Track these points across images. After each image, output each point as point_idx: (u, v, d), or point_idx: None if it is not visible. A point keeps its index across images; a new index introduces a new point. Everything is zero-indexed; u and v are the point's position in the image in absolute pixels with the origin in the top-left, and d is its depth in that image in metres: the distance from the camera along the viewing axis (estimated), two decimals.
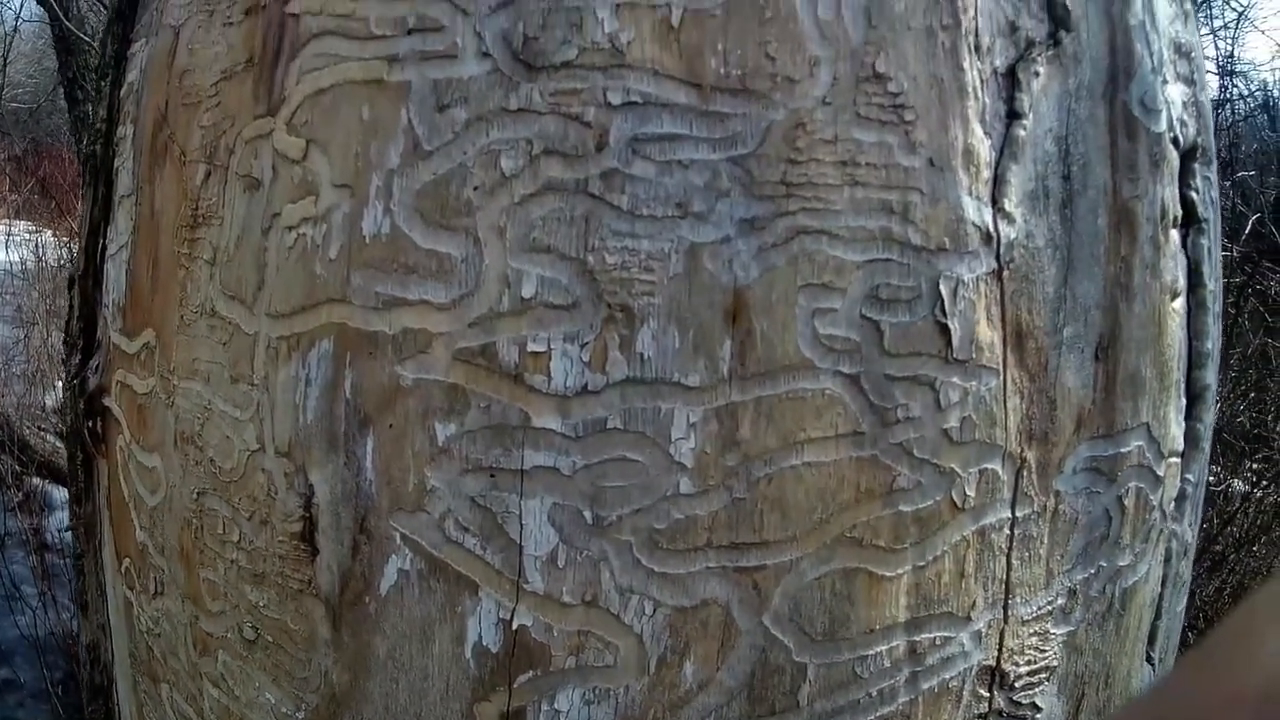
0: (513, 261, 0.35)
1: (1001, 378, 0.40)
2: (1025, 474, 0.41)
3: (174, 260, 0.45)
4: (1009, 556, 0.41)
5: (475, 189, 0.36)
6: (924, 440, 0.38)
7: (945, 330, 0.38)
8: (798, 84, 0.36)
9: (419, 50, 0.37)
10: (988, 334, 0.39)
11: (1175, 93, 0.49)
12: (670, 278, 0.35)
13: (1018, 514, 0.41)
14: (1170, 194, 0.47)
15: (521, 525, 0.36)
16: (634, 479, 0.36)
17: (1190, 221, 0.51)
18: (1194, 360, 0.52)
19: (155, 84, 0.49)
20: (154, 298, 0.47)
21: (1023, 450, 0.41)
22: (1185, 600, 0.58)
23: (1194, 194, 0.51)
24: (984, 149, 0.39)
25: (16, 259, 3.87)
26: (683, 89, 0.36)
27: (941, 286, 0.38)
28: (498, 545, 0.36)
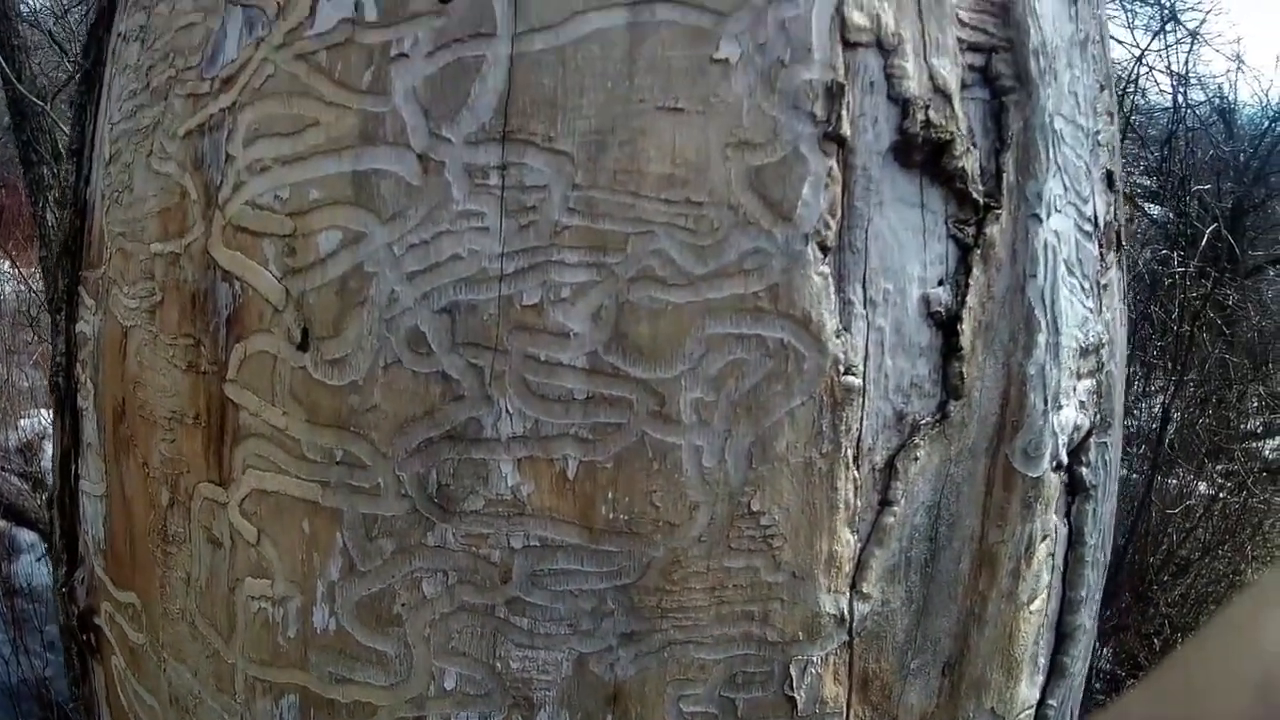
0: (436, 661, 0.49)
1: (844, 715, 0.55)
2: None
3: (150, 555, 0.59)
4: None
5: (403, 605, 0.49)
6: None
7: (792, 700, 0.52)
8: (677, 527, 0.48)
9: (347, 483, 0.48)
10: (833, 690, 0.54)
11: (1069, 413, 0.59)
12: (563, 678, 0.49)
13: None
14: (1040, 524, 0.58)
15: None
16: None
17: (1077, 490, 0.63)
18: (1066, 607, 0.66)
19: (111, 370, 0.60)
20: (135, 573, 0.61)
21: None
22: None
23: (1084, 469, 0.63)
24: (849, 549, 0.51)
25: None
26: (576, 530, 0.47)
27: (792, 668, 0.52)
28: None
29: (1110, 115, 0.72)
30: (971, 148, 0.55)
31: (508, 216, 0.46)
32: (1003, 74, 0.58)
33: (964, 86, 0.56)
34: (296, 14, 0.50)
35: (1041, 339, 0.57)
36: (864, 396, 0.50)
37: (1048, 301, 0.57)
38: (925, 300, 0.52)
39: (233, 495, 0.52)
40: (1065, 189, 0.61)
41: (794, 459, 0.49)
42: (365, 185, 0.47)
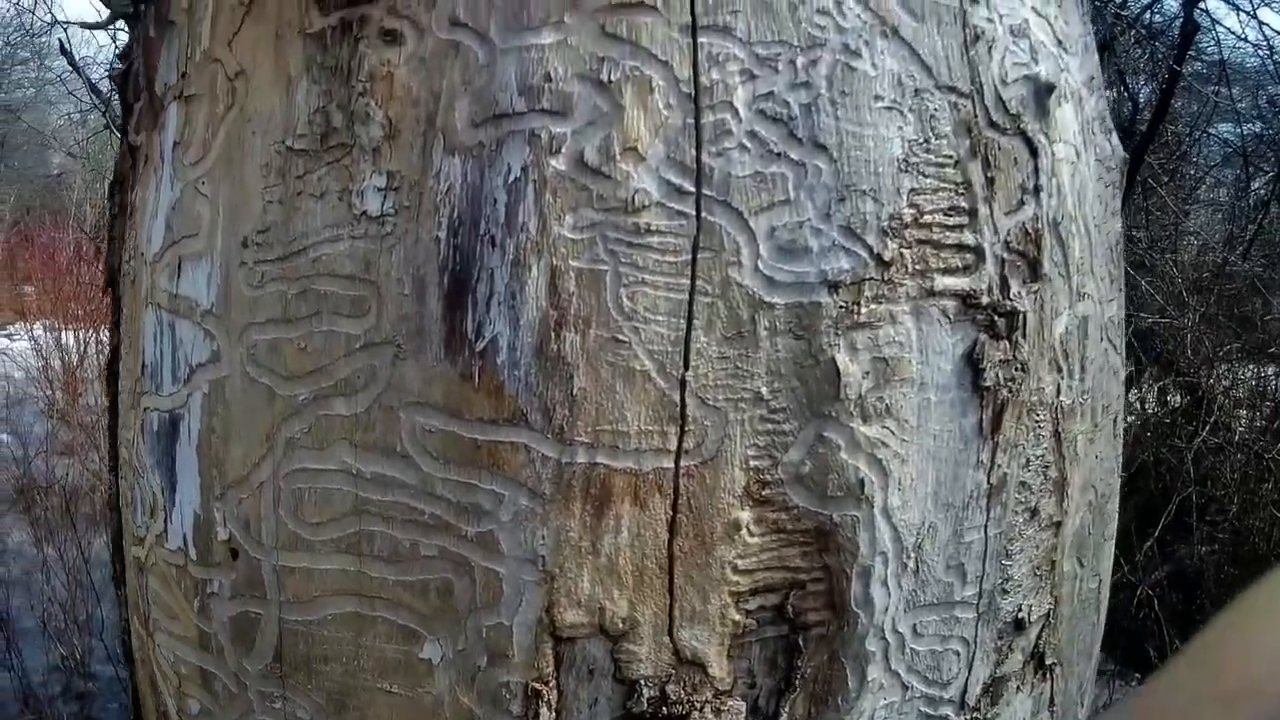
0: None
1: None
2: None
3: None
4: None
5: None
6: None
7: None
8: None
9: None
10: None
11: None
12: None
13: None
14: None
15: None
16: None
17: None
18: None
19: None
20: None
21: None
22: None
23: None
24: None
25: None
26: None
27: None
28: None
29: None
30: (739, 699, 0.57)
31: None
32: (806, 609, 0.57)
33: (745, 632, 0.57)
34: (159, 523, 0.70)
35: None
36: None
37: None
38: None
39: None
40: (905, 658, 0.59)
41: None
42: (209, 682, 0.69)
